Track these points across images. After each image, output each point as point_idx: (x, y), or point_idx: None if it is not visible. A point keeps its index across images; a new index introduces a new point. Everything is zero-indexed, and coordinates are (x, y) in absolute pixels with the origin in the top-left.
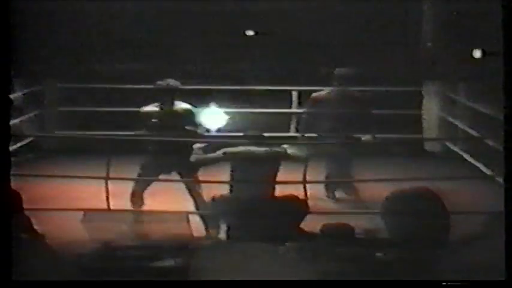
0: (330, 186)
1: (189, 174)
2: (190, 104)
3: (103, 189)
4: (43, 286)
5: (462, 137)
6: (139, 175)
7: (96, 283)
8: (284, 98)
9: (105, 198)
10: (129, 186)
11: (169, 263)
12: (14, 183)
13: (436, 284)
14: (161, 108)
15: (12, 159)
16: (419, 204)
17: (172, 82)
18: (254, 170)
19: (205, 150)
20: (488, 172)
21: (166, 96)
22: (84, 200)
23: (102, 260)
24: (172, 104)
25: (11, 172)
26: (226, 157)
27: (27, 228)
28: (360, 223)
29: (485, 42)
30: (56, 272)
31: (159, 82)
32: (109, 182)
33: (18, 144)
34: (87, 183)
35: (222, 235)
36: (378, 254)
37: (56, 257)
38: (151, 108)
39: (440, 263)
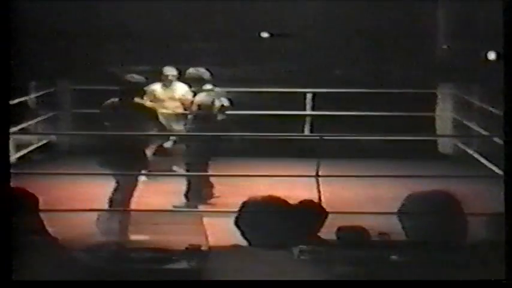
0: None
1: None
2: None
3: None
4: (43, 286)
5: (465, 134)
6: None
7: (97, 283)
8: (298, 100)
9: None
10: (144, 186)
11: (183, 265)
12: (28, 184)
13: (450, 283)
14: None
15: (27, 161)
16: (438, 206)
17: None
18: None
19: None
20: (501, 173)
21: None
22: (97, 201)
23: (116, 262)
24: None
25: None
26: None
27: (40, 229)
28: (374, 225)
29: (500, 45)
30: (69, 274)
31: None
32: None
33: (33, 146)
34: (101, 184)
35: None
36: (393, 257)
37: (68, 259)
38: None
39: (452, 264)
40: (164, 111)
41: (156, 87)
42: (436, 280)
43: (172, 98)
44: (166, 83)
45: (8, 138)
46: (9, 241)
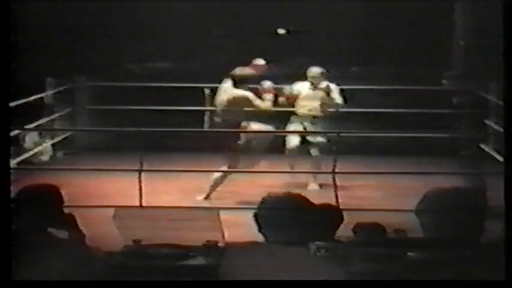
0: None
1: None
2: None
3: (133, 187)
4: (43, 286)
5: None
6: None
7: (100, 283)
8: None
9: (135, 195)
10: (161, 183)
11: (199, 261)
12: (48, 180)
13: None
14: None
15: (44, 157)
16: (457, 203)
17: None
18: None
19: None
20: None
21: None
22: (114, 198)
23: (132, 259)
24: None
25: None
26: None
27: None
28: (391, 222)
29: None
30: (86, 270)
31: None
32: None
33: (51, 142)
34: (117, 180)
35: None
36: (410, 254)
37: (88, 256)
38: None
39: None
40: (308, 112)
41: (303, 87)
42: (448, 280)
43: (318, 98)
44: (315, 83)
45: (9, 138)
46: (9, 241)
